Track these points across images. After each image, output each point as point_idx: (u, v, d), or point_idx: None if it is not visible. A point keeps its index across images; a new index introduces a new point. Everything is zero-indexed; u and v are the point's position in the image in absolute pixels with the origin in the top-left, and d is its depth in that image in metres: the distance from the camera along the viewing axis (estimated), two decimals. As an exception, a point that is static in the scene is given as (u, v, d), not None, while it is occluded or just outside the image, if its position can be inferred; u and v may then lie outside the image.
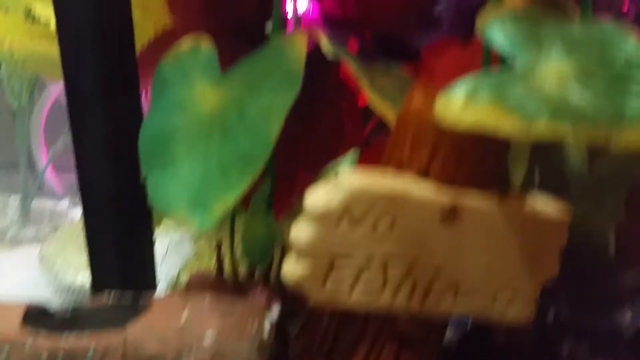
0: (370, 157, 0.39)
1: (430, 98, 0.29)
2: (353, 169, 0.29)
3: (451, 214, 0.29)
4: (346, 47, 0.37)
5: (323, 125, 0.38)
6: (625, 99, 0.27)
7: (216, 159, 0.29)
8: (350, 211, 0.28)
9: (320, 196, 0.28)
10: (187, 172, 0.29)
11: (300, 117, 0.37)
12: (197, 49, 0.32)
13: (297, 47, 0.30)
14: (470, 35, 0.48)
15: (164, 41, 0.35)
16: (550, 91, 0.27)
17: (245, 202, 0.35)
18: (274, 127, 0.28)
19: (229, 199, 0.28)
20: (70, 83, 0.35)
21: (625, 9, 0.51)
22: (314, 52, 0.35)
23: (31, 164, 0.78)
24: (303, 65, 0.30)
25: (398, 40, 0.44)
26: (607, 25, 0.30)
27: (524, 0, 0.40)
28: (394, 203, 0.28)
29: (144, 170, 0.30)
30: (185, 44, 0.33)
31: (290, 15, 0.41)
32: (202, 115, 0.30)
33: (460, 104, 0.26)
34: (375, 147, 0.40)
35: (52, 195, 0.80)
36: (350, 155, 0.36)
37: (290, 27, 0.41)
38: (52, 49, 0.36)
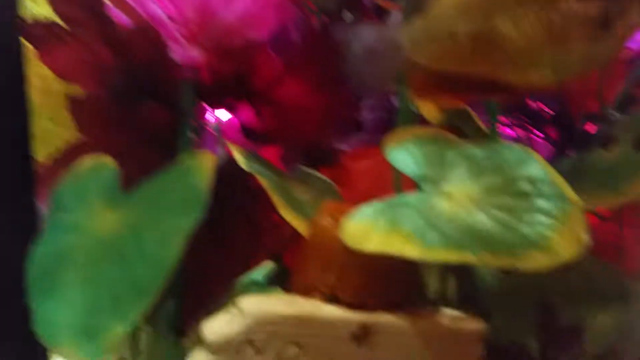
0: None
1: (337, 221, 0.28)
2: (254, 295, 0.27)
3: (362, 333, 0.27)
4: (261, 159, 0.36)
5: (237, 235, 0.36)
6: (529, 221, 0.27)
7: (108, 286, 0.27)
8: (252, 340, 0.26)
9: (218, 325, 0.26)
10: (76, 300, 0.27)
11: (213, 227, 0.36)
12: (98, 167, 0.31)
13: (204, 169, 0.29)
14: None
15: (70, 156, 0.34)
16: (453, 216, 0.27)
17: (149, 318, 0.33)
18: (173, 255, 0.27)
19: (119, 329, 0.26)
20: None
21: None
22: (229, 160, 0.35)
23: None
24: (208, 189, 0.29)
25: (318, 146, 0.44)
26: (512, 147, 0.31)
27: (438, 111, 0.42)
28: (300, 328, 0.27)
29: (31, 300, 0.28)
30: (86, 162, 0.32)
31: (209, 126, 0.41)
32: (97, 239, 0.29)
33: (362, 231, 0.26)
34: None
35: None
36: (266, 266, 0.34)
37: (208, 138, 0.41)
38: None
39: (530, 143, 0.53)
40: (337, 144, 0.44)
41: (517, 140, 0.54)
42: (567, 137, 0.49)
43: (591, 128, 0.46)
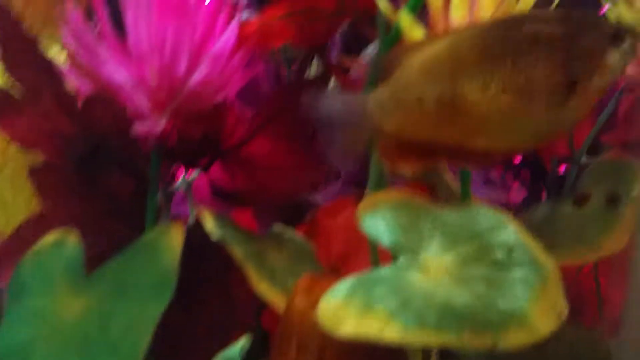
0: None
1: (314, 298, 0.27)
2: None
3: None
4: (233, 224, 0.35)
5: (210, 309, 0.35)
6: (506, 294, 0.26)
7: (75, 382, 0.26)
8: None
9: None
10: (41, 399, 0.26)
11: (184, 300, 0.34)
12: (60, 245, 0.30)
13: (172, 246, 0.28)
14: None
15: (32, 230, 0.33)
16: (430, 293, 0.26)
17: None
18: (141, 343, 0.25)
19: None
20: None
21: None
22: (198, 227, 0.34)
23: None
24: (177, 268, 0.28)
25: (292, 202, 0.43)
26: (486, 212, 0.30)
27: (414, 168, 0.41)
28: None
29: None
30: (48, 239, 0.30)
31: (179, 186, 0.39)
32: (62, 327, 0.27)
33: (336, 314, 0.25)
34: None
35: None
36: (241, 342, 0.33)
37: (177, 200, 0.39)
38: None
39: (503, 185, 0.54)
40: (311, 198, 0.44)
41: (489, 181, 0.54)
42: (539, 179, 0.49)
43: (563, 170, 0.47)
